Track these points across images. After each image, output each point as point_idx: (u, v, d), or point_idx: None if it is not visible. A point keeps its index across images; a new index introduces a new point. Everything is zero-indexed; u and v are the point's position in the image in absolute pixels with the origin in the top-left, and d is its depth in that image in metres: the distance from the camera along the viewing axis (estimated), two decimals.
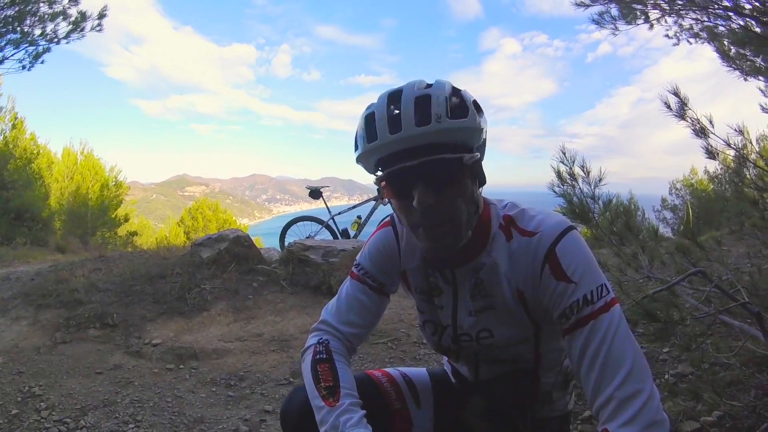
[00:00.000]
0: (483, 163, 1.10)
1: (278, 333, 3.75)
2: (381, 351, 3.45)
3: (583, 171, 2.30)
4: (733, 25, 3.55)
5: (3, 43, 7.14)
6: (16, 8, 6.97)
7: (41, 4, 7.23)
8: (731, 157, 2.52)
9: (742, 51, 3.70)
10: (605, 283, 1.00)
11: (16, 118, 12.72)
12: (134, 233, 15.58)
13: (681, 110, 2.31)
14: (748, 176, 2.59)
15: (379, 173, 1.09)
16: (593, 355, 0.94)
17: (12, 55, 7.34)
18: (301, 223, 6.72)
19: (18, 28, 7.09)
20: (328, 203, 6.84)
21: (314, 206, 6.96)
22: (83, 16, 7.54)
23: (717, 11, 3.52)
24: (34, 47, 7.39)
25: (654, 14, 4.01)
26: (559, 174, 2.36)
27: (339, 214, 6.78)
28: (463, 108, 1.00)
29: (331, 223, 6.65)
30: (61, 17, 7.37)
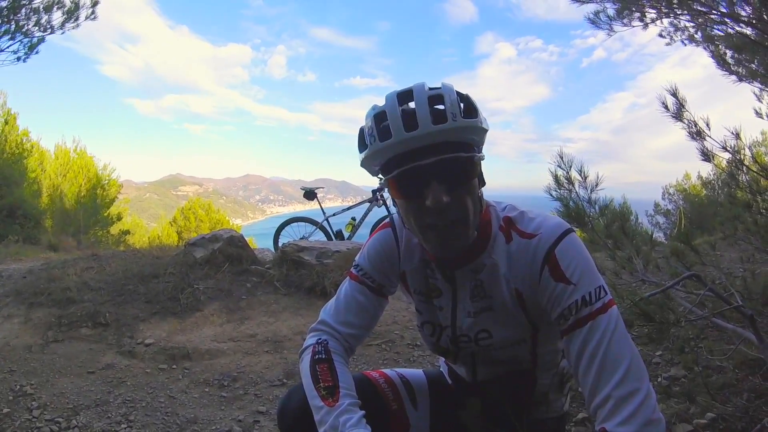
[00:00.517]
0: None
1: (272, 334, 3.74)
2: (375, 353, 3.45)
3: (580, 175, 2.31)
4: (729, 30, 3.58)
5: None
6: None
7: None
8: (725, 162, 2.54)
9: (737, 55, 3.73)
10: (603, 285, 1.01)
11: (9, 114, 12.62)
12: (127, 232, 15.47)
13: (678, 111, 2.33)
14: (741, 180, 2.62)
15: (381, 175, 1.09)
16: (591, 356, 0.95)
17: (7, 46, 7.28)
18: (295, 224, 6.70)
19: (13, 20, 7.03)
20: (322, 204, 6.84)
21: (308, 207, 6.96)
22: (77, 5, 7.47)
23: (713, 16, 3.55)
24: (29, 38, 7.33)
25: (650, 14, 4.03)
26: (556, 178, 2.37)
27: (333, 215, 6.79)
28: (473, 108, 1.02)
29: (325, 224, 6.65)
30: (56, 6, 7.33)
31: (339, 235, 6.65)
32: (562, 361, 1.31)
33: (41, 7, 7.24)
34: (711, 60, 4.01)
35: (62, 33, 7.62)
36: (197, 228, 19.31)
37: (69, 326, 3.63)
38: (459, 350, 1.27)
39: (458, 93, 1.03)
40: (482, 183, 1.11)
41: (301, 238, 6.26)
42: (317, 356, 1.18)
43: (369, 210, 6.70)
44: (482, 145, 1.08)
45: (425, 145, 0.99)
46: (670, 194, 13.20)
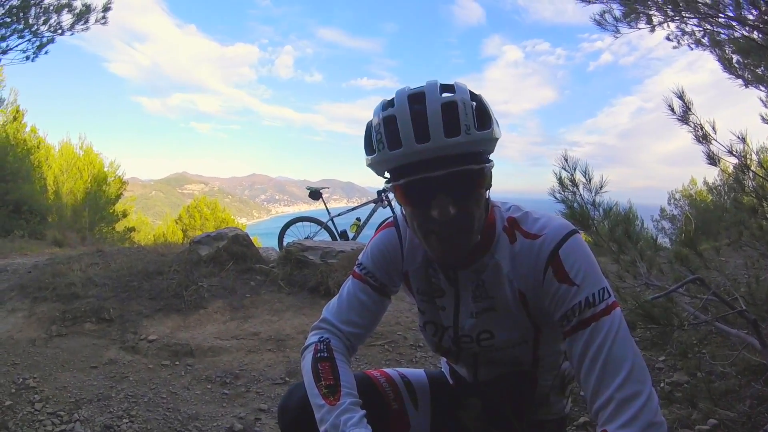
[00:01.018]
0: None
1: (275, 332, 3.74)
2: (378, 353, 3.44)
3: (584, 178, 2.30)
4: (736, 34, 3.57)
5: (7, 33, 7.13)
6: None
7: None
8: (731, 166, 2.53)
9: (744, 60, 3.71)
10: (607, 287, 1.01)
11: (18, 111, 12.71)
12: (132, 229, 15.55)
13: (684, 115, 2.33)
14: (747, 185, 2.60)
15: (387, 176, 1.09)
16: (594, 357, 0.94)
17: (16, 45, 7.34)
18: (300, 223, 6.69)
19: (23, 19, 7.08)
20: (327, 204, 6.84)
21: (313, 207, 6.95)
22: (88, 9, 7.53)
23: (719, 20, 3.53)
24: (39, 38, 7.38)
25: (657, 18, 4.01)
26: (560, 180, 2.36)
27: (338, 215, 6.78)
28: (486, 117, 1.00)
29: (330, 224, 6.63)
30: (66, 9, 7.37)
31: (344, 235, 6.65)
32: (563, 363, 1.30)
33: (51, 7, 7.30)
34: (718, 65, 3.99)
35: (72, 34, 7.69)
36: (202, 226, 19.38)
37: (73, 321, 3.65)
38: (461, 351, 1.26)
39: (472, 95, 1.00)
40: (489, 186, 1.09)
41: (305, 238, 6.26)
42: (319, 354, 1.18)
43: (374, 211, 6.69)
44: (492, 151, 1.05)
45: (435, 157, 0.97)
46: (676, 200, 13.16)
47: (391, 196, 6.34)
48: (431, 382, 1.45)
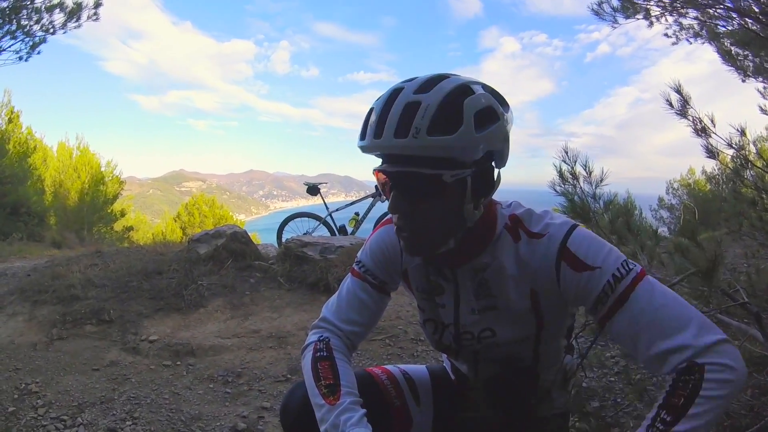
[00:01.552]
0: None
1: (275, 329, 3.75)
2: (379, 348, 3.45)
3: (585, 170, 2.29)
4: (735, 25, 3.55)
5: (0, 35, 7.10)
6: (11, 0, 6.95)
7: None
8: (729, 158, 2.52)
9: (742, 51, 3.69)
10: (627, 259, 0.99)
11: (12, 112, 12.65)
12: (130, 228, 15.52)
13: (683, 108, 2.31)
14: (746, 176, 2.59)
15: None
16: (650, 321, 0.92)
17: (9, 46, 7.30)
18: (298, 219, 6.68)
19: (14, 19, 7.04)
20: (325, 199, 6.83)
21: (312, 202, 6.94)
22: (79, 6, 7.50)
23: (718, 11, 3.51)
24: (31, 38, 7.34)
25: (655, 10, 3.99)
26: (560, 173, 2.35)
27: (337, 210, 6.77)
28: (453, 122, 0.93)
29: (328, 219, 6.63)
30: (58, 8, 7.34)
31: (342, 230, 6.64)
32: (565, 357, 1.31)
33: (43, 7, 7.25)
34: (716, 56, 3.97)
35: (64, 33, 7.66)
36: (201, 224, 19.34)
37: (73, 323, 3.65)
38: (461, 348, 1.26)
39: (452, 99, 0.94)
40: (488, 191, 1.05)
41: (304, 234, 6.25)
42: (319, 354, 1.18)
43: (372, 205, 6.69)
44: (476, 158, 0.98)
45: (391, 154, 0.99)
46: (674, 189, 13.16)
47: None
48: (433, 378, 1.45)
